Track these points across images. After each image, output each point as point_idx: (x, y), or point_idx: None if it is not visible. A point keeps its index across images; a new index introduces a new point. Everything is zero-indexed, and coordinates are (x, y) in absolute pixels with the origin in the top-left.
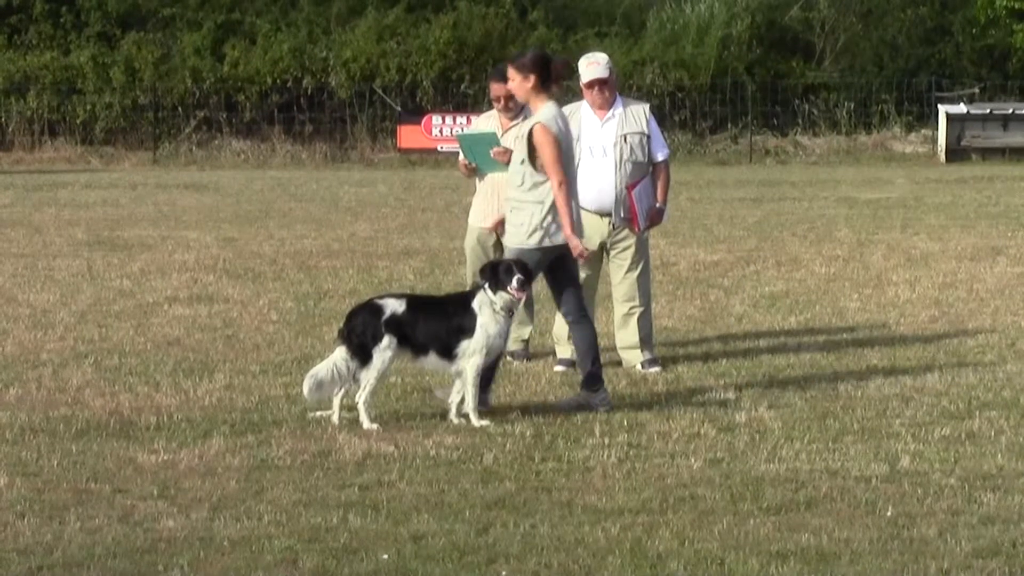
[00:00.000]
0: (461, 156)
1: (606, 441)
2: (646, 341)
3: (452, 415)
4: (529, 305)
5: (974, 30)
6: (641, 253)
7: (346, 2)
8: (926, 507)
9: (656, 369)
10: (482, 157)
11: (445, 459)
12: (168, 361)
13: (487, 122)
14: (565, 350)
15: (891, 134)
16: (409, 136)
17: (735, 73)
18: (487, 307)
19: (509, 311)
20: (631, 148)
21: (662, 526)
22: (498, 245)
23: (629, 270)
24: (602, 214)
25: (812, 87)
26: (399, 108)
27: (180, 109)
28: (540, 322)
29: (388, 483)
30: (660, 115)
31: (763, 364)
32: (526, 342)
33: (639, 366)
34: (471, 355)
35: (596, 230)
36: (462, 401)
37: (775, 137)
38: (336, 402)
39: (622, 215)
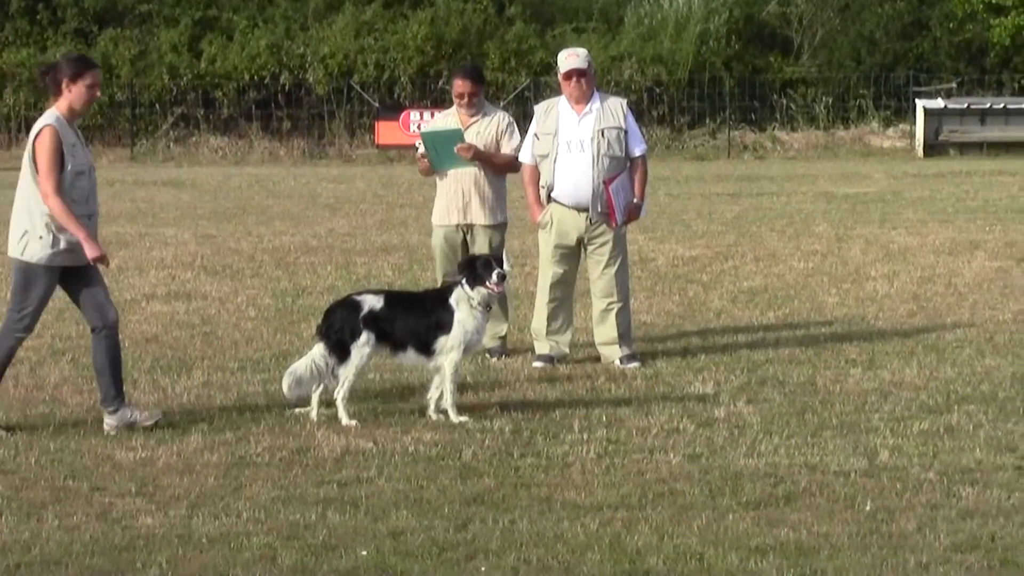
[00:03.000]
0: (419, 151)
1: (585, 437)
2: (625, 337)
3: (431, 411)
4: (504, 302)
5: (951, 24)
6: (619, 249)
7: None
8: (905, 501)
9: (635, 365)
10: (445, 154)
11: (424, 455)
12: (146, 358)
13: (446, 120)
14: (544, 346)
15: (869, 129)
16: (387, 132)
17: (713, 68)
18: (464, 303)
19: (486, 306)
20: (608, 143)
21: (641, 521)
22: (465, 243)
23: (607, 266)
24: (579, 209)
25: (790, 82)
26: (377, 104)
27: (157, 106)
28: (518, 318)
29: (367, 479)
30: (638, 110)
31: (742, 359)
32: (503, 339)
33: (618, 362)
34: (449, 351)
35: (573, 225)
36: (441, 397)
37: (753, 132)
38: (315, 399)
39: (600, 210)
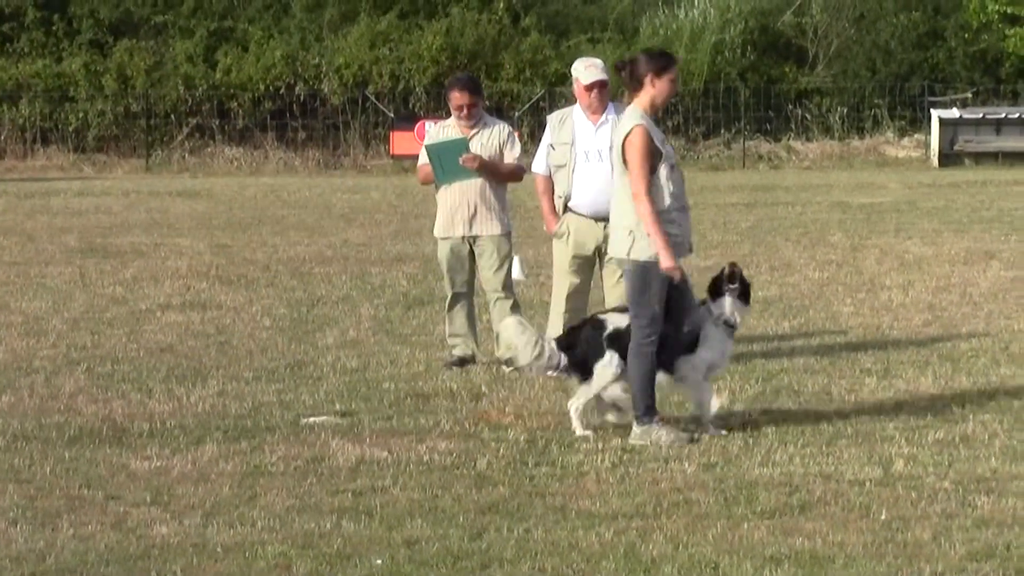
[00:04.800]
0: (421, 161)
1: (600, 446)
2: None
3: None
4: (517, 310)
5: (967, 35)
6: None
7: (339, 8)
8: (920, 510)
9: None
10: (450, 165)
11: (439, 464)
12: (161, 368)
13: (445, 131)
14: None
15: (884, 139)
16: (402, 142)
17: (728, 78)
18: (709, 321)
19: (729, 325)
20: None
21: (656, 530)
22: (472, 254)
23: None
24: (597, 218)
25: (805, 92)
26: (392, 114)
27: (172, 116)
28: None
29: (381, 488)
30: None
31: (757, 368)
32: None
33: None
34: (694, 369)
35: (591, 235)
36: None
37: (768, 142)
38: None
39: None
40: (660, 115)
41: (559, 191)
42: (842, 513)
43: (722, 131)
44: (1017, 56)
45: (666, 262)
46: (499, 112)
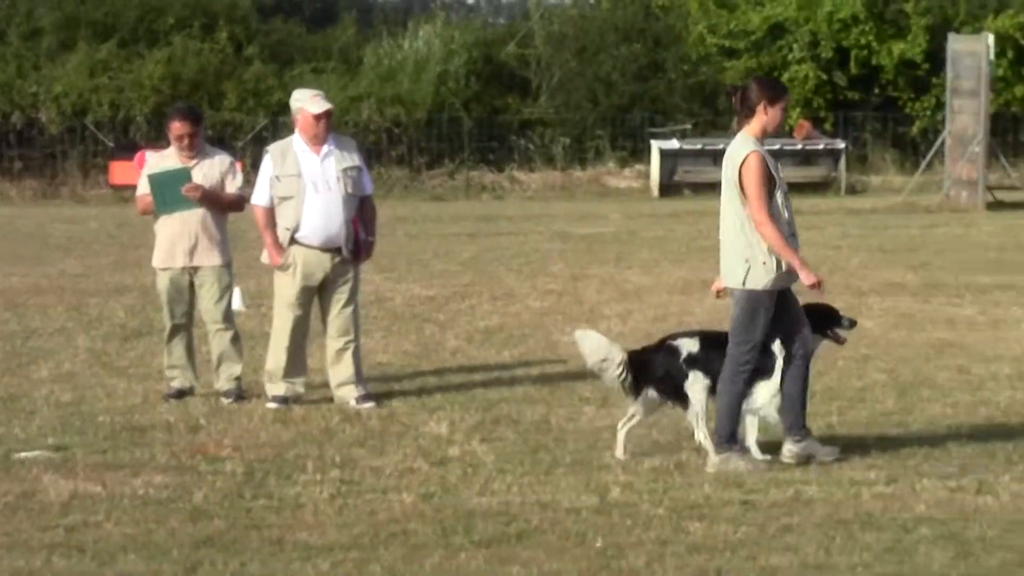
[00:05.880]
0: (140, 191)
1: (318, 477)
2: (359, 376)
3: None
4: (237, 341)
5: (686, 67)
6: (357, 287)
7: (57, 36)
8: (635, 537)
9: (370, 405)
10: (171, 195)
11: (154, 498)
12: None
13: (164, 161)
14: (279, 388)
15: (606, 169)
16: (122, 172)
17: (452, 108)
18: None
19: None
20: (352, 182)
21: (373, 562)
22: (191, 285)
23: (346, 304)
24: (325, 249)
25: (528, 123)
26: (112, 143)
27: None
28: (254, 359)
29: (94, 524)
30: (377, 151)
31: (477, 398)
32: (238, 380)
33: (353, 402)
34: (768, 397)
35: (319, 266)
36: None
37: (492, 172)
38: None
39: (350, 248)
40: (384, 145)
41: (286, 223)
42: (558, 541)
43: (446, 161)
44: (734, 88)
45: (808, 279)
46: (222, 142)
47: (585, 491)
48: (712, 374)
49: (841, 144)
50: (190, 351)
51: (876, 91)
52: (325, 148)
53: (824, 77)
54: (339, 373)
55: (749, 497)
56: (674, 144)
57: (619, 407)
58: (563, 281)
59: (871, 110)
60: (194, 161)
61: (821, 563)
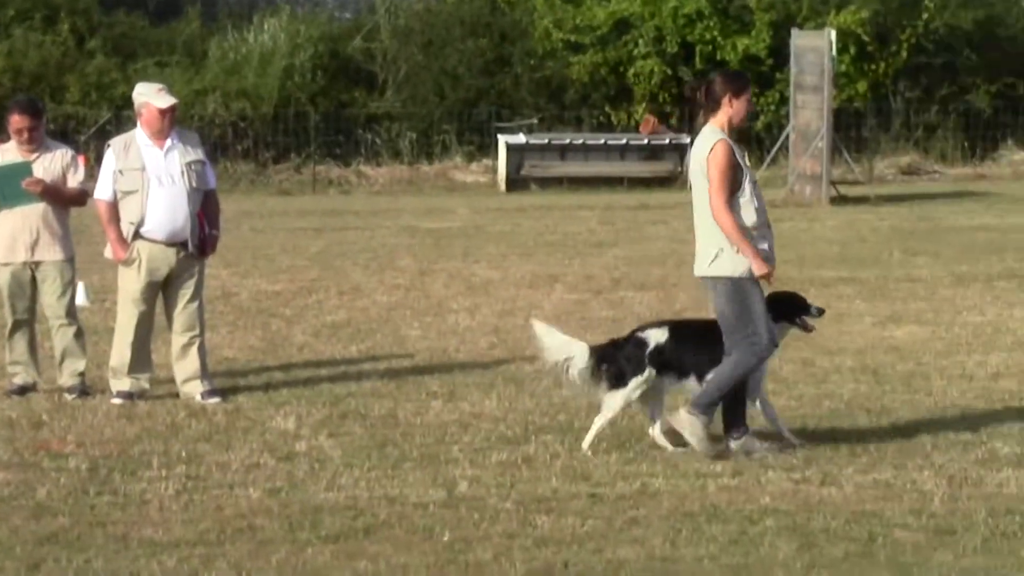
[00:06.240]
0: None
1: (163, 473)
2: (205, 371)
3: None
4: (81, 337)
5: (532, 61)
6: (202, 282)
7: None
8: (482, 531)
9: (216, 400)
10: (12, 190)
11: None
12: None
13: (3, 156)
14: (124, 383)
15: (453, 164)
16: None
17: (298, 103)
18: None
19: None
20: (197, 176)
21: (219, 557)
22: (34, 280)
23: (191, 299)
24: (170, 243)
25: (375, 117)
26: None
27: None
28: (98, 355)
29: None
30: (223, 145)
31: (324, 393)
32: (82, 375)
33: (199, 397)
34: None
35: (164, 261)
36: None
37: (338, 167)
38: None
39: (195, 243)
40: (229, 139)
41: (130, 218)
42: (406, 535)
43: (292, 155)
44: (580, 83)
45: (760, 268)
46: (64, 136)
47: (432, 485)
48: (678, 369)
49: (687, 139)
50: (32, 347)
51: None
52: (168, 142)
53: (669, 72)
54: (184, 368)
55: (596, 490)
56: (521, 139)
57: (467, 400)
58: (410, 276)
59: None
60: (35, 155)
61: (668, 555)
